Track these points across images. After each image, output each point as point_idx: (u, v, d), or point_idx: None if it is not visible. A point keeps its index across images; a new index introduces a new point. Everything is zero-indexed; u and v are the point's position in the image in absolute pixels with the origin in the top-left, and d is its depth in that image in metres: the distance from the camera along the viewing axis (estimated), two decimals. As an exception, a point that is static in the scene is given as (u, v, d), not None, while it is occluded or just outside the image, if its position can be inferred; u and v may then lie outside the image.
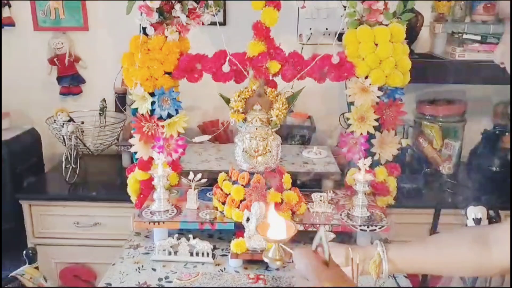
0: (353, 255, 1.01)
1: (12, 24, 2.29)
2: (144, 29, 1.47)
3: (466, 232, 1.02)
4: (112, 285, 1.30)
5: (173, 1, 1.46)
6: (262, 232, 0.93)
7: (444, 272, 1.05)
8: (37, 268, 1.34)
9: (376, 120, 1.52)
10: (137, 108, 1.54)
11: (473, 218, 1.38)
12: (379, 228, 1.41)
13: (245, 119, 1.43)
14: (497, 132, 2.18)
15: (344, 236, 1.45)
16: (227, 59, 1.43)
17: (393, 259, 1.00)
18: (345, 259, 1.01)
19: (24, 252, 1.32)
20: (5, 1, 2.25)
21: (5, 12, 2.27)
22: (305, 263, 0.72)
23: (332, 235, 1.35)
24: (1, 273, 1.89)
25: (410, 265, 1.02)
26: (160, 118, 1.53)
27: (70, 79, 2.36)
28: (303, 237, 1.50)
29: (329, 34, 2.19)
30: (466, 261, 0.94)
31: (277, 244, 0.95)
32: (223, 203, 1.45)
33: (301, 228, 1.40)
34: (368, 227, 1.41)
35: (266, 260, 0.94)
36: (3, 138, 2.06)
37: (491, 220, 1.37)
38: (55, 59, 2.32)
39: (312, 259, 0.71)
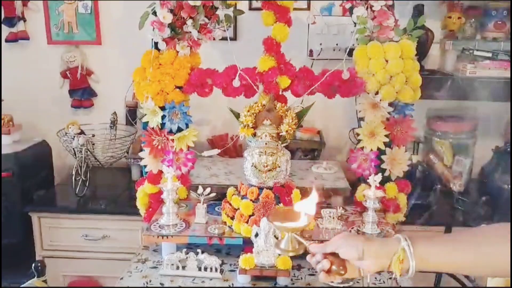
0: (366, 253, 0.90)
1: (26, 38, 2.33)
2: (156, 44, 1.49)
3: (505, 229, 0.88)
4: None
5: (185, 17, 1.47)
6: (274, 220, 0.89)
7: (480, 272, 0.91)
8: (45, 281, 1.34)
9: (387, 136, 1.51)
10: (147, 122, 1.54)
11: (485, 237, 1.36)
12: (389, 246, 1.39)
13: (254, 134, 1.44)
14: (508, 149, 2.16)
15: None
16: (238, 74, 1.44)
17: (421, 256, 0.89)
18: (362, 252, 0.91)
19: (33, 265, 1.32)
20: (21, 16, 2.30)
21: (20, 26, 2.31)
22: None
23: None
24: (0, 282, 1.89)
25: (442, 264, 0.90)
26: (170, 132, 1.54)
27: (81, 92, 2.39)
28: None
29: (339, 50, 2.20)
30: (506, 261, 0.83)
31: (290, 233, 0.89)
32: (232, 218, 1.44)
33: (310, 244, 1.39)
34: (378, 244, 1.39)
35: (278, 251, 0.88)
36: (14, 150, 2.08)
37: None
38: (67, 73, 2.36)
39: None
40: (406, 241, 0.89)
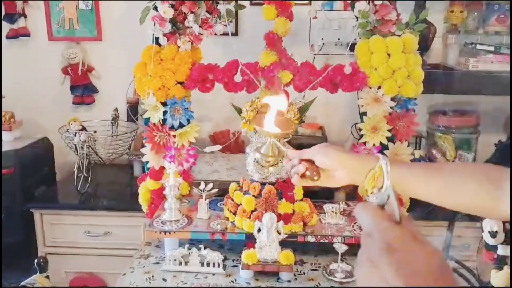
0: (342, 164, 0.91)
1: (27, 34, 2.33)
2: (157, 39, 1.49)
3: (477, 168, 0.91)
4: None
5: (186, 12, 1.47)
6: (258, 124, 0.92)
7: (446, 203, 0.92)
8: (47, 277, 1.34)
9: (389, 130, 1.51)
10: (149, 118, 1.54)
11: (488, 231, 1.35)
12: (392, 240, 1.39)
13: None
14: (511, 143, 2.15)
15: (357, 248, 1.43)
16: (239, 69, 1.44)
17: (397, 176, 0.87)
18: (337, 162, 0.92)
19: (35, 261, 1.32)
20: (21, 12, 2.29)
21: (21, 23, 2.31)
22: (369, 219, 0.59)
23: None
24: (0, 281, 1.89)
25: (412, 187, 0.91)
26: (172, 128, 1.53)
27: (83, 89, 2.38)
28: (314, 248, 1.49)
29: (341, 45, 2.19)
30: (473, 197, 0.86)
31: (271, 139, 0.93)
32: (234, 214, 1.44)
33: (313, 239, 1.39)
34: (381, 239, 1.39)
35: (257, 155, 0.90)
36: (15, 147, 2.08)
37: (508, 233, 1.34)
38: (68, 69, 2.35)
39: (377, 215, 0.58)
40: (385, 160, 0.88)
